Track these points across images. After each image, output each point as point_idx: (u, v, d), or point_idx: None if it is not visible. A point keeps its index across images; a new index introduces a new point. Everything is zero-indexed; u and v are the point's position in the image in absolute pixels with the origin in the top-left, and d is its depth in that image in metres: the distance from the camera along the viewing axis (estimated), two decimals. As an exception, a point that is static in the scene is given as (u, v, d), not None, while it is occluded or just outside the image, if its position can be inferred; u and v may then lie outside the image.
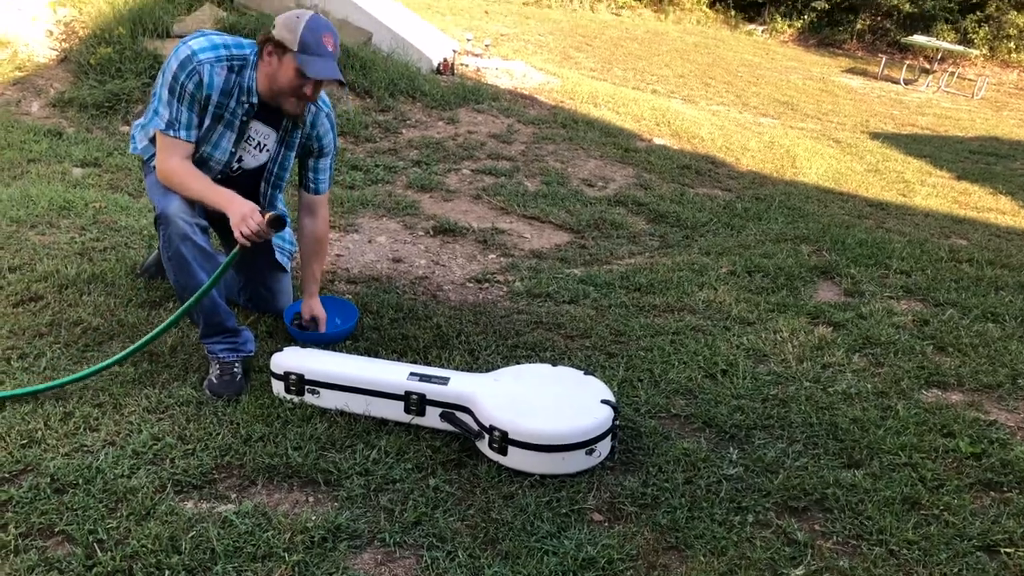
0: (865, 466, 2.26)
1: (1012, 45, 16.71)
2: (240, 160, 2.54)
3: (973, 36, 16.93)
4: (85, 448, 2.09)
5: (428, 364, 2.65)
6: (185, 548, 1.77)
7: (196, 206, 2.37)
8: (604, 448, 2.19)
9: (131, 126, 3.28)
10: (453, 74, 7.51)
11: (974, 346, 3.08)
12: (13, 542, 1.75)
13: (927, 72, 14.86)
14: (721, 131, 7.79)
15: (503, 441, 2.12)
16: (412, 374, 2.32)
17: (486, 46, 9.06)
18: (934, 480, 2.19)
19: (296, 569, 1.75)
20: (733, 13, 18.84)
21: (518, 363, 2.69)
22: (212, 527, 1.84)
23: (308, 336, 2.72)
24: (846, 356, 2.96)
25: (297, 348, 2.50)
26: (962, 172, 8.06)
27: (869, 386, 2.72)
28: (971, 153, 9.27)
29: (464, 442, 2.25)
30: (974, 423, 2.50)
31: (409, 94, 6.57)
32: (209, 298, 2.39)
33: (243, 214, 2.21)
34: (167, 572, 1.70)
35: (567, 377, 2.40)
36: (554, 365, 2.50)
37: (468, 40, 8.95)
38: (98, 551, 1.74)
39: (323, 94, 2.60)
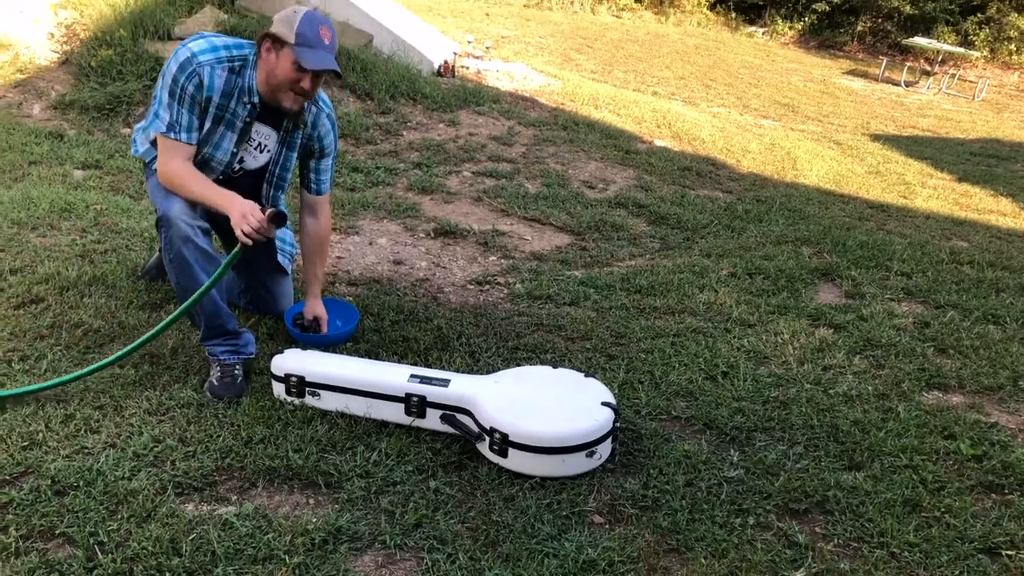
0: (866, 468, 2.26)
1: (1013, 47, 16.72)
2: (241, 161, 2.54)
3: (974, 38, 16.94)
4: (86, 450, 2.09)
5: (429, 366, 2.65)
6: (186, 550, 1.77)
7: (198, 208, 2.37)
8: (605, 450, 2.19)
9: (132, 129, 3.28)
10: (454, 76, 7.52)
11: (975, 348, 3.08)
12: (14, 544, 1.75)
13: (928, 74, 14.86)
14: (722, 133, 7.79)
15: (504, 443, 2.12)
16: (413, 376, 2.32)
17: (487, 48, 9.06)
18: (935, 482, 2.19)
19: (297, 571, 1.75)
20: (734, 15, 18.85)
21: (519, 365, 2.69)
22: (213, 529, 1.84)
23: (309, 338, 2.72)
24: (847, 358, 2.96)
25: (298, 350, 2.50)
26: (963, 174, 8.06)
27: (870, 388, 2.72)
28: (972, 155, 9.27)
29: (465, 444, 2.25)
30: (975, 425, 2.50)
31: (410, 96, 6.57)
32: (210, 300, 2.39)
33: (243, 212, 2.22)
34: (168, 574, 1.70)
35: (568, 379, 2.40)
36: (555, 367, 2.50)
37: (469, 42, 8.96)
38: (99, 553, 1.75)
39: (324, 95, 2.60)
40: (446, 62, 7.56)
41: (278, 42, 2.30)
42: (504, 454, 2.13)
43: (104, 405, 2.29)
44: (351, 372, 2.35)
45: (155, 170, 2.43)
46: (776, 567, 1.86)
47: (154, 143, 2.45)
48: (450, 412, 2.26)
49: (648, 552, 1.89)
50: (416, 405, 2.27)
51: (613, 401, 2.26)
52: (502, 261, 4.10)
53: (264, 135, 2.53)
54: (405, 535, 1.90)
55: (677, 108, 8.84)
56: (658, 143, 7.01)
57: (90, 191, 4.26)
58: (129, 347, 2.37)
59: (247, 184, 2.56)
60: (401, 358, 2.73)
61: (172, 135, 2.34)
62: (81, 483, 1.95)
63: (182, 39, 2.43)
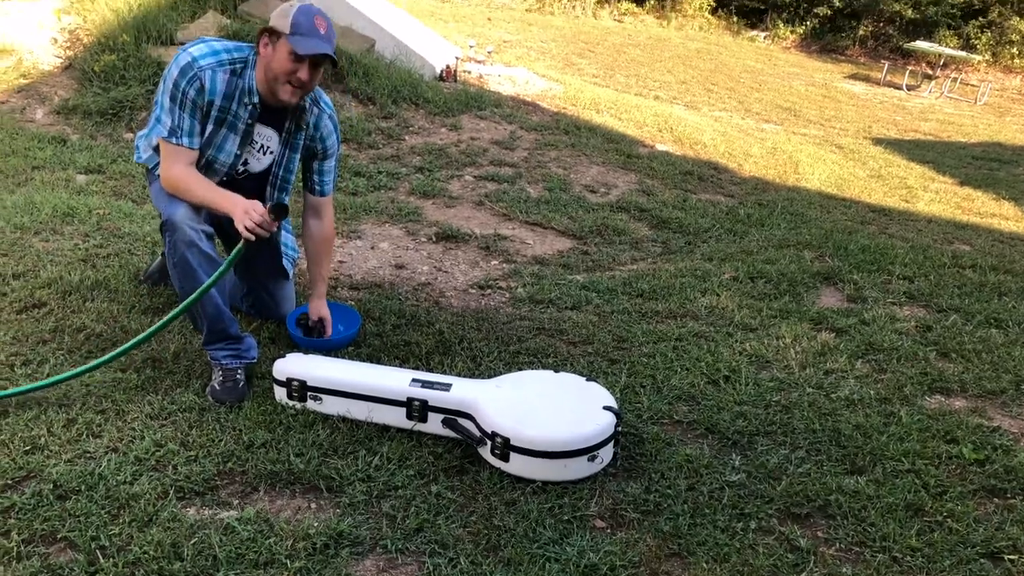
0: (868, 472, 2.25)
1: (1015, 51, 16.72)
2: (245, 163, 2.55)
3: (976, 42, 16.96)
4: (88, 454, 2.09)
5: (430, 370, 2.65)
6: (187, 555, 1.77)
7: (202, 212, 2.38)
8: (606, 454, 2.19)
9: (135, 134, 3.29)
10: (456, 81, 7.53)
11: (977, 352, 3.08)
12: (15, 549, 1.75)
13: (930, 78, 14.87)
14: (723, 137, 7.80)
15: (505, 447, 2.12)
16: (414, 380, 2.32)
17: (488, 53, 9.08)
18: (937, 486, 2.19)
19: (298, 576, 1.75)
20: (735, 19, 18.87)
21: (520, 369, 2.69)
22: (214, 534, 1.84)
23: (311, 342, 2.72)
24: (849, 362, 2.95)
25: (299, 354, 2.50)
26: (965, 178, 8.06)
27: (872, 392, 2.72)
28: (974, 159, 9.27)
29: (466, 448, 2.25)
30: (977, 429, 2.49)
31: (412, 101, 6.59)
32: (213, 304, 2.39)
33: (245, 208, 2.23)
34: (169, 579, 1.71)
35: (569, 383, 2.40)
36: (556, 371, 2.50)
37: (471, 47, 8.97)
38: (100, 558, 1.74)
39: (326, 97, 2.61)
40: (448, 67, 7.57)
41: (274, 35, 2.33)
42: (506, 458, 2.13)
43: (106, 409, 2.29)
44: (353, 376, 2.35)
45: (158, 175, 2.44)
46: (778, 572, 1.85)
47: (156, 149, 2.46)
48: (452, 416, 2.26)
49: (650, 557, 1.88)
50: (418, 409, 2.27)
51: (615, 405, 2.26)
52: (504, 265, 4.10)
53: (266, 137, 2.54)
54: (406, 539, 1.90)
55: (679, 112, 8.85)
56: (660, 147, 7.02)
57: (93, 196, 4.28)
58: (126, 345, 2.36)
59: (250, 187, 2.57)
60: (403, 362, 2.74)
61: (174, 140, 2.35)
62: (83, 487, 1.95)
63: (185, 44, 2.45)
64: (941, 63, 15.52)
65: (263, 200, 2.62)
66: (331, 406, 2.35)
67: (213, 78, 2.34)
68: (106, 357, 2.35)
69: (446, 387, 2.30)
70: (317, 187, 2.72)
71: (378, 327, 3.00)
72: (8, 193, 4.13)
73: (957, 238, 5.43)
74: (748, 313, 3.41)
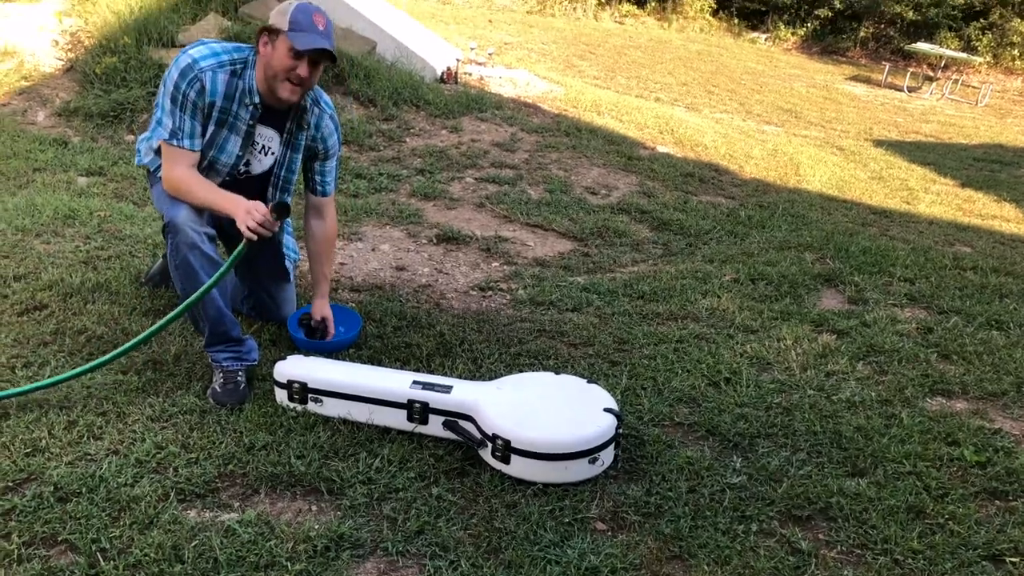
0: (869, 475, 2.25)
1: (1016, 52, 16.72)
2: (247, 164, 2.55)
3: (977, 43, 16.95)
4: (88, 457, 2.09)
5: (431, 372, 2.65)
6: (188, 557, 1.77)
7: (204, 215, 2.38)
8: (607, 457, 2.19)
9: (136, 136, 3.30)
10: (457, 83, 7.54)
11: (978, 354, 3.07)
12: (16, 551, 1.75)
13: (931, 79, 14.87)
14: (724, 139, 7.80)
15: (506, 450, 2.11)
16: (415, 382, 2.32)
17: (489, 55, 9.08)
18: (939, 489, 2.18)
19: (299, 578, 1.75)
20: (736, 21, 18.88)
21: (521, 371, 2.69)
22: (215, 536, 1.84)
23: (311, 344, 2.72)
24: (850, 364, 2.95)
25: (300, 356, 2.50)
26: (966, 179, 8.06)
27: (873, 394, 2.72)
28: (975, 160, 9.27)
29: (467, 451, 2.25)
30: (979, 431, 2.49)
31: (413, 103, 6.59)
32: (214, 307, 2.39)
33: (247, 208, 2.23)
34: (170, 581, 1.71)
35: (570, 385, 2.40)
36: (557, 373, 2.50)
37: (472, 49, 8.98)
38: (101, 560, 1.74)
39: (326, 97, 2.62)
40: (449, 69, 7.58)
41: (273, 33, 2.34)
42: (507, 460, 2.13)
43: (107, 411, 2.29)
44: (353, 378, 2.35)
45: (159, 177, 2.44)
46: (779, 574, 1.85)
47: (157, 151, 2.46)
48: (452, 418, 2.26)
49: (651, 559, 1.88)
50: (418, 411, 2.27)
51: (616, 407, 2.25)
52: (504, 267, 4.10)
53: (267, 137, 2.54)
54: (407, 542, 1.89)
55: (680, 114, 8.85)
56: (661, 149, 7.02)
57: (94, 198, 4.28)
58: (126, 346, 2.36)
59: (252, 188, 2.57)
60: (403, 364, 2.74)
61: (175, 142, 2.35)
62: (84, 489, 1.95)
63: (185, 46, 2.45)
64: (942, 65, 15.53)
65: (265, 201, 2.62)
66: (332, 408, 2.35)
67: (213, 79, 2.34)
68: (106, 358, 2.35)
69: (447, 389, 2.30)
70: (319, 187, 2.73)
71: (379, 329, 3.00)
72: (9, 195, 4.13)
73: (958, 240, 5.43)
74: (749, 315, 3.41)
